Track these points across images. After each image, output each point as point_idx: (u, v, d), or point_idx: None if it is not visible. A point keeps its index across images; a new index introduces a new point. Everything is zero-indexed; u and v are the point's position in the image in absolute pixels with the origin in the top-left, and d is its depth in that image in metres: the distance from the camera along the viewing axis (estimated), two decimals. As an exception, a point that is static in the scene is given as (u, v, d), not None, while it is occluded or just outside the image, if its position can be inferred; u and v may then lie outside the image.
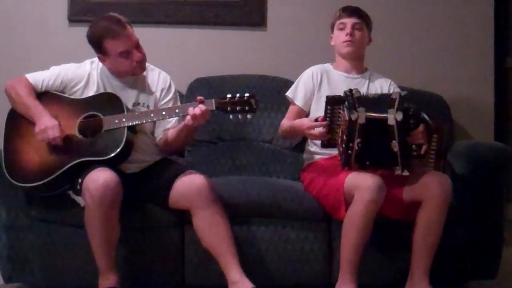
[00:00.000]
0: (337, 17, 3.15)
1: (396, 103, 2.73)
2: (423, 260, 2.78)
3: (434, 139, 2.82)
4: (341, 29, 3.11)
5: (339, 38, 3.12)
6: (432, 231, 2.77)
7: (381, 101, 2.80)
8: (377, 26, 3.63)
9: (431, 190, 2.76)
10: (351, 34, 3.08)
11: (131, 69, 2.94)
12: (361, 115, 2.73)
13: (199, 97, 2.77)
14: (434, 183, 2.76)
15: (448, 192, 2.77)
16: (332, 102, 2.83)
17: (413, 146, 2.76)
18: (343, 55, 3.15)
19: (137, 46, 2.93)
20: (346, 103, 2.77)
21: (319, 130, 2.85)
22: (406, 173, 2.75)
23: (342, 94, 2.83)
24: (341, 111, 2.80)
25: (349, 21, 3.10)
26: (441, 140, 2.84)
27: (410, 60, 3.78)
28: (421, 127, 2.77)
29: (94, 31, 2.90)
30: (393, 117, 2.71)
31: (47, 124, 2.81)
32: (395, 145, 2.72)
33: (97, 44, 2.89)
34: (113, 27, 2.87)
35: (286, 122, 3.12)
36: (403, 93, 2.78)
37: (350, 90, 2.80)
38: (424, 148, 2.78)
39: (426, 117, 2.79)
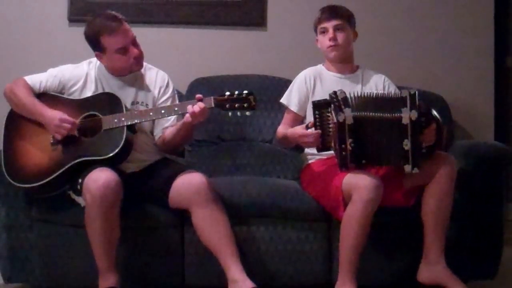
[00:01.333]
0: (318, 21, 3.11)
1: (408, 102, 2.71)
2: (437, 242, 2.77)
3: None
4: (323, 33, 3.09)
5: (323, 43, 3.10)
6: (443, 210, 2.78)
7: (389, 100, 2.80)
8: (377, 26, 3.65)
9: (438, 170, 2.76)
10: (334, 38, 3.05)
11: (128, 66, 2.94)
12: (348, 116, 2.72)
13: (197, 95, 2.77)
14: (440, 162, 2.77)
15: (455, 170, 2.79)
16: (319, 106, 2.83)
17: (423, 143, 2.75)
18: (331, 59, 3.14)
19: (134, 43, 2.93)
20: (332, 105, 2.76)
21: (312, 137, 2.84)
22: (416, 170, 2.73)
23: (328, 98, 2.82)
24: (329, 114, 2.79)
25: (329, 25, 3.06)
26: (441, 140, 2.84)
27: (410, 60, 3.78)
28: (433, 125, 2.76)
29: (91, 28, 2.91)
30: (408, 116, 2.69)
31: (56, 119, 2.80)
32: (407, 144, 2.71)
33: (95, 41, 2.90)
34: (110, 23, 2.87)
35: (281, 130, 3.11)
36: (412, 91, 2.75)
37: (335, 92, 2.78)
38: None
39: (436, 114, 2.79)
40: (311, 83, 3.13)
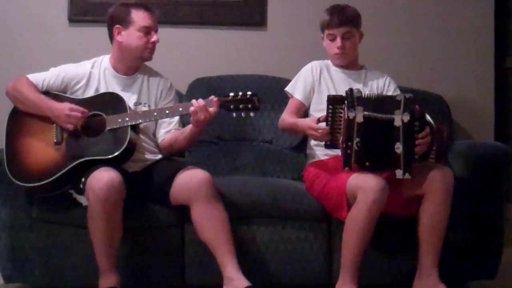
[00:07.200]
0: (325, 24, 3.06)
1: (402, 104, 2.72)
2: (431, 254, 2.77)
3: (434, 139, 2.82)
4: (331, 40, 3.06)
5: (330, 49, 3.09)
6: (437, 224, 2.76)
7: (385, 102, 2.79)
8: (378, 26, 3.65)
9: (433, 183, 2.75)
10: (342, 47, 3.04)
11: (143, 49, 2.96)
12: (359, 114, 2.72)
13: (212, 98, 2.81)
14: (436, 175, 2.76)
15: (451, 184, 2.77)
16: (333, 101, 2.83)
17: (416, 149, 2.75)
18: (336, 64, 3.15)
19: (157, 32, 2.98)
20: (346, 102, 2.77)
21: (321, 131, 2.84)
22: (407, 176, 2.73)
23: (343, 94, 2.82)
24: (342, 111, 2.79)
25: (338, 32, 3.03)
26: (441, 140, 2.84)
27: (410, 60, 3.78)
28: (427, 130, 2.76)
29: (125, 3, 2.98)
30: (400, 118, 2.69)
31: (66, 109, 2.81)
32: (398, 147, 2.71)
33: (124, 13, 2.94)
34: (146, 5, 2.97)
35: (287, 118, 3.10)
36: (407, 95, 2.76)
37: (351, 90, 2.79)
38: (431, 154, 2.78)
39: (430, 119, 2.79)
40: (318, 73, 3.14)
